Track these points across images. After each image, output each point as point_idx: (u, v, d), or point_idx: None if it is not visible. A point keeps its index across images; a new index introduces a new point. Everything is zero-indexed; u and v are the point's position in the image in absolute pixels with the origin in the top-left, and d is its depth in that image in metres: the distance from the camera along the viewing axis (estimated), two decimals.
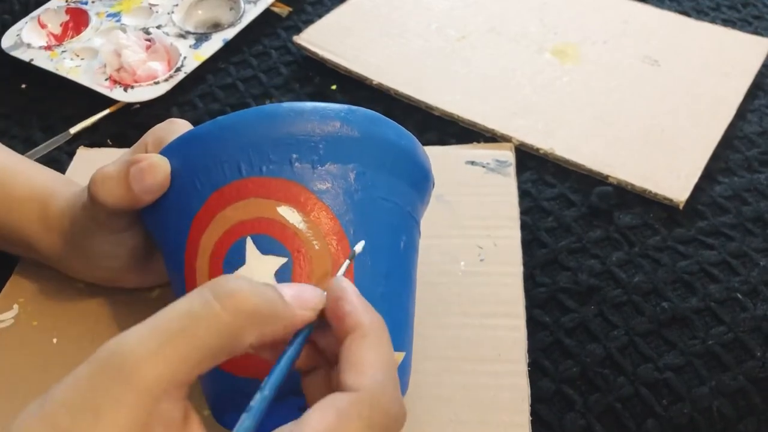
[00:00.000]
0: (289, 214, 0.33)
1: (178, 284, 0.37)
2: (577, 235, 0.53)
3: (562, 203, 0.55)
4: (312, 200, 0.34)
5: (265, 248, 0.33)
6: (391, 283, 0.36)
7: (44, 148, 0.61)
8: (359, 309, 0.28)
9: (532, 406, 0.43)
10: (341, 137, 0.35)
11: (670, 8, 0.74)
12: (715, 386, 0.44)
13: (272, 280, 0.33)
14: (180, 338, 0.23)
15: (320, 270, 0.33)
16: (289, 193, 0.34)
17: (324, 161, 0.35)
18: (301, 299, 0.28)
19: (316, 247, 0.33)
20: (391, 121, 0.38)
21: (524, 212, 0.54)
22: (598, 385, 0.44)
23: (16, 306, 0.48)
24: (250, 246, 0.33)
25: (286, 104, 0.35)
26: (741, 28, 0.71)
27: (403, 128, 0.39)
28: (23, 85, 0.68)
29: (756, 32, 0.70)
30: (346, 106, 0.36)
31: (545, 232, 0.53)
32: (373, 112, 0.37)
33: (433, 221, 0.52)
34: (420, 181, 0.40)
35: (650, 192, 0.54)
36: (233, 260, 0.33)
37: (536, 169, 0.58)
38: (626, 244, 0.52)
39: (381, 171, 0.36)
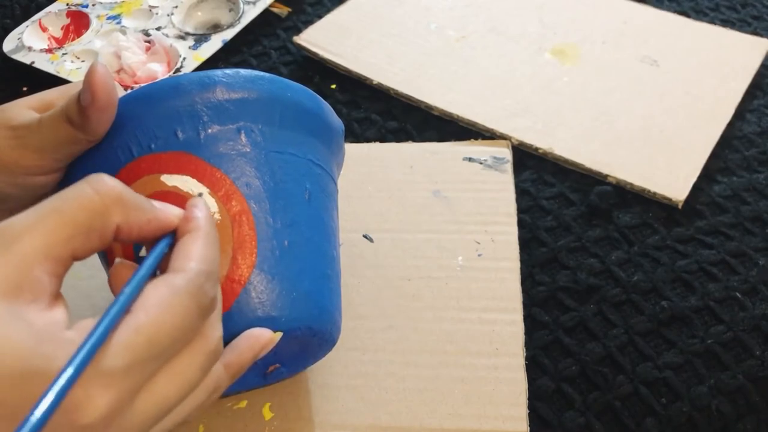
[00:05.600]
0: (182, 183, 0.35)
1: (106, 272, 0.38)
2: (576, 234, 0.53)
3: (562, 202, 0.55)
4: (202, 166, 0.35)
5: None
6: (299, 231, 0.36)
7: None
8: (199, 214, 0.31)
9: (531, 403, 0.43)
10: (222, 101, 0.36)
11: (669, 8, 0.74)
12: (714, 385, 0.44)
13: None
14: (53, 214, 0.27)
15: (220, 229, 0.34)
16: (179, 163, 0.35)
17: (208, 126, 0.36)
18: (165, 205, 0.31)
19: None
20: (276, 76, 0.39)
21: (524, 211, 0.54)
22: (598, 384, 0.44)
23: None
24: None
25: (167, 79, 0.37)
26: (740, 29, 0.71)
27: (291, 81, 0.39)
28: (24, 88, 0.68)
29: (755, 32, 0.71)
30: (224, 70, 0.37)
31: (545, 231, 0.53)
32: (256, 71, 0.38)
33: (430, 216, 0.53)
34: (318, 129, 0.40)
35: (649, 191, 0.55)
36: None
37: (535, 169, 0.58)
38: (626, 243, 0.52)
39: (270, 126, 0.37)
